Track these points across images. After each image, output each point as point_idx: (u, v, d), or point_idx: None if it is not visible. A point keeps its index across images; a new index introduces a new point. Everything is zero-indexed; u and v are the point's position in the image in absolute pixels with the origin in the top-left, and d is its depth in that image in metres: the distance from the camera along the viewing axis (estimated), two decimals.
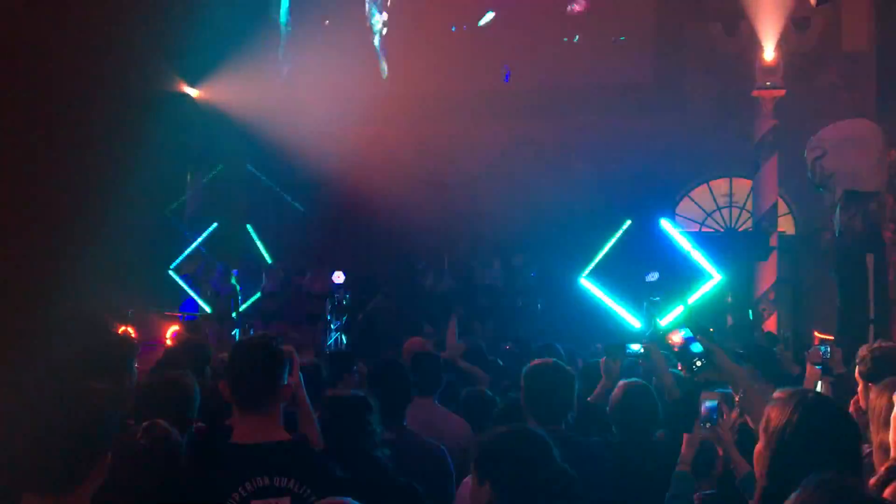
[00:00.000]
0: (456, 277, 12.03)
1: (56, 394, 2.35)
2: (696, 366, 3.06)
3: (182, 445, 2.88)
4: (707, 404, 3.05)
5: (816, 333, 4.98)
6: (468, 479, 3.73)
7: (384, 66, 13.36)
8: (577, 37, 12.85)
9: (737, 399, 3.27)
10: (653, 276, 10.77)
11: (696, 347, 3.45)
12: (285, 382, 2.79)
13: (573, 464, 2.57)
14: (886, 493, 2.52)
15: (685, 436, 3.18)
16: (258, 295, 12.81)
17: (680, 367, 3.59)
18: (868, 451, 2.99)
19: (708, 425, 3.05)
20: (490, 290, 11.63)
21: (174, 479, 2.73)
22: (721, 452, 3.20)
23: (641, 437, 3.88)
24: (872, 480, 2.62)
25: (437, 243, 12.59)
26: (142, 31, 9.90)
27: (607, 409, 4.11)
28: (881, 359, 3.30)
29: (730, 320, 10.70)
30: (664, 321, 9.63)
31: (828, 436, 2.28)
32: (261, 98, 12.68)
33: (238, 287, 12.33)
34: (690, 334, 3.41)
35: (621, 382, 4.13)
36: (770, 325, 10.95)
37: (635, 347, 4.66)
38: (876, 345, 3.47)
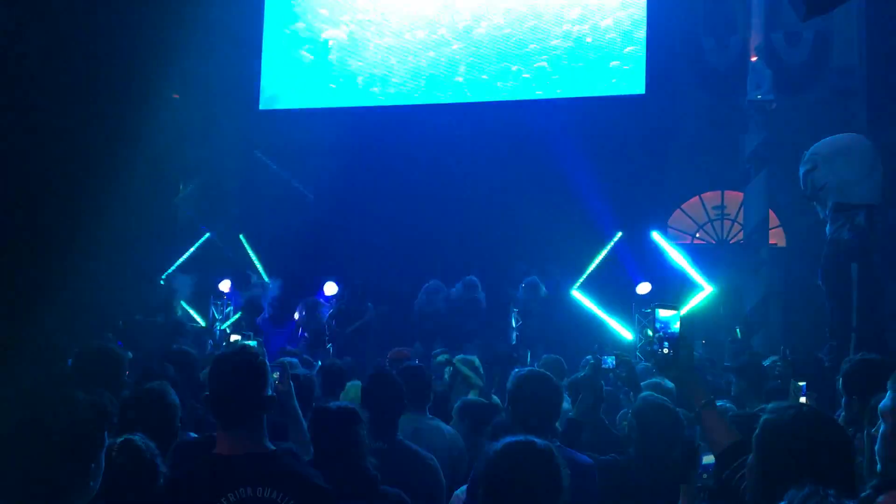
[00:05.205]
0: (449, 297, 11.81)
1: (38, 404, 2.28)
2: (662, 353, 2.93)
3: (158, 463, 2.80)
4: (706, 460, 3.08)
5: None
6: (458, 492, 3.74)
7: None
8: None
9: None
10: (644, 288, 10.78)
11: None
12: (268, 394, 2.76)
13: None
14: None
15: (682, 488, 3.19)
16: (237, 316, 12.61)
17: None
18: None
19: (705, 475, 3.11)
20: (475, 309, 11.45)
21: (155, 493, 2.70)
22: None
23: (660, 458, 3.78)
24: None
25: (429, 259, 12.53)
26: (141, 36, 9.91)
27: (624, 426, 4.05)
28: (862, 371, 3.32)
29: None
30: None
31: (821, 449, 2.26)
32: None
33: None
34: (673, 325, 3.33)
35: (642, 395, 4.08)
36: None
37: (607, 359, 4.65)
38: (858, 357, 3.49)
